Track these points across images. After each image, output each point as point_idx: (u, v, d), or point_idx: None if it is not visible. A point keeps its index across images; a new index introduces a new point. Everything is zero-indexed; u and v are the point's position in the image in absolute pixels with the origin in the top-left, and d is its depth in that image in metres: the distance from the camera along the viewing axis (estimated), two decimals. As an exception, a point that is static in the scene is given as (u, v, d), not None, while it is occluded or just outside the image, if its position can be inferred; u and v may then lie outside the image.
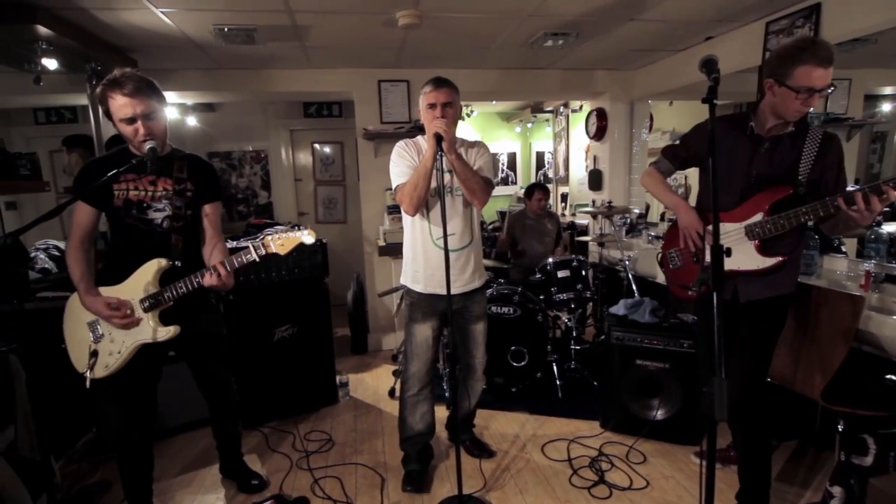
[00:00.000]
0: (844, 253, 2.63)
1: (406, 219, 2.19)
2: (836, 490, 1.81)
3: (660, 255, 2.14)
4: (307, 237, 1.78)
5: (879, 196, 1.50)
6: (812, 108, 1.69)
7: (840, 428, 1.95)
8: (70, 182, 3.44)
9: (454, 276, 2.02)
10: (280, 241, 1.77)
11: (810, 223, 1.73)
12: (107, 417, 1.94)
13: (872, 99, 3.31)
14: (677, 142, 2.08)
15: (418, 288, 2.18)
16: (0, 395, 2.00)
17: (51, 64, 2.79)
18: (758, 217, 1.75)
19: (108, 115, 1.76)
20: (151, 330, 1.81)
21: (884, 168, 3.53)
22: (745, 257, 1.77)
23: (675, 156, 2.03)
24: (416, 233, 2.16)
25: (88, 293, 1.78)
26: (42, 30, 2.43)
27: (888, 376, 1.98)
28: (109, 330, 1.82)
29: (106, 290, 1.82)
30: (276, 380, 2.93)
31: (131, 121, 1.72)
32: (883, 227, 2.47)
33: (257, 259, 1.77)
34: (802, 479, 2.26)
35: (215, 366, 2.14)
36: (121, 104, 1.70)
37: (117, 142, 2.41)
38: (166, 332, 1.82)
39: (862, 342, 2.00)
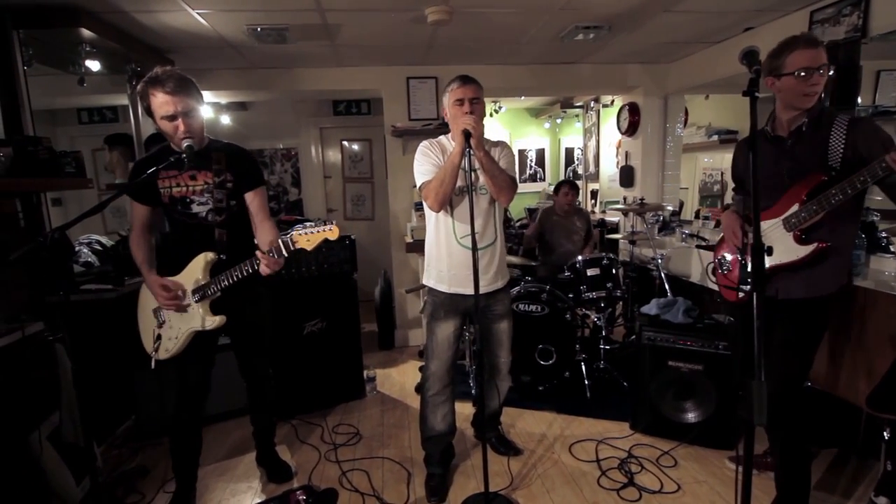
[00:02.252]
0: (893, 253, 2.50)
1: (429, 217, 2.18)
2: (882, 500, 1.74)
3: (711, 266, 2.13)
4: (331, 233, 1.78)
5: None
6: (819, 90, 1.66)
7: (886, 436, 1.86)
8: (111, 179, 3.59)
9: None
10: (306, 237, 1.78)
11: (839, 201, 1.61)
12: (164, 398, 2.06)
13: (925, 90, 3.13)
14: None
15: (442, 287, 2.17)
16: (46, 383, 2.10)
17: (93, 66, 2.91)
18: (794, 208, 1.72)
19: (148, 111, 1.82)
20: (201, 318, 1.91)
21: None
22: (784, 250, 1.73)
23: (735, 185, 2.12)
24: (440, 231, 2.14)
25: (150, 274, 1.92)
26: (86, 33, 2.54)
27: (941, 383, 1.87)
28: (169, 317, 1.96)
29: (172, 280, 1.95)
30: (305, 373, 2.99)
31: (172, 118, 1.78)
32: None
33: (286, 255, 1.80)
34: (844, 489, 2.17)
35: (258, 359, 2.23)
36: (162, 101, 1.76)
37: (156, 140, 2.49)
38: (213, 322, 1.91)
39: (912, 347, 1.90)
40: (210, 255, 1.92)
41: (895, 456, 1.76)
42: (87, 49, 2.76)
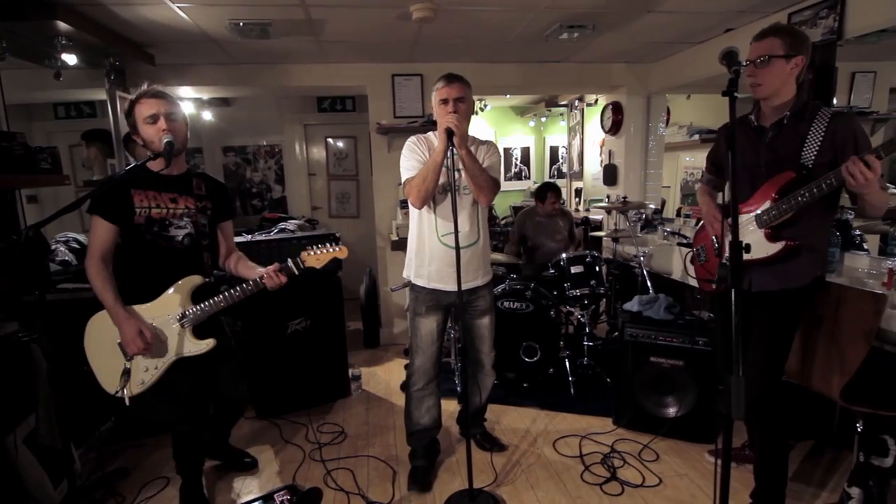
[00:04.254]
0: (866, 250, 2.57)
1: (413, 214, 2.20)
2: (855, 491, 1.78)
3: (690, 255, 2.16)
4: (340, 253, 1.92)
5: (863, 164, 1.48)
6: (760, 81, 1.70)
7: (859, 428, 1.92)
8: (88, 176, 3.51)
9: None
10: (316, 257, 1.89)
11: (806, 200, 1.65)
12: (159, 413, 2.01)
13: (898, 92, 3.22)
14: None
15: (421, 282, 2.19)
16: (22, 384, 2.05)
17: (70, 59, 2.84)
18: (766, 204, 1.75)
19: (134, 127, 1.83)
20: (187, 344, 1.87)
21: (910, 163, 3.43)
22: (756, 246, 1.76)
23: (709, 165, 2.13)
24: (423, 228, 2.17)
25: (123, 311, 1.78)
26: (62, 25, 2.47)
27: (911, 376, 1.93)
28: None
29: (138, 309, 1.84)
30: (289, 372, 2.96)
31: (154, 118, 1.78)
32: (907, 224, 2.41)
33: (296, 273, 1.89)
34: (819, 480, 2.23)
35: (242, 382, 2.23)
36: (146, 105, 1.79)
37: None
38: (200, 346, 1.88)
39: (883, 341, 1.96)
40: (198, 279, 1.90)
41: (868, 447, 1.81)
42: (64, 42, 2.68)
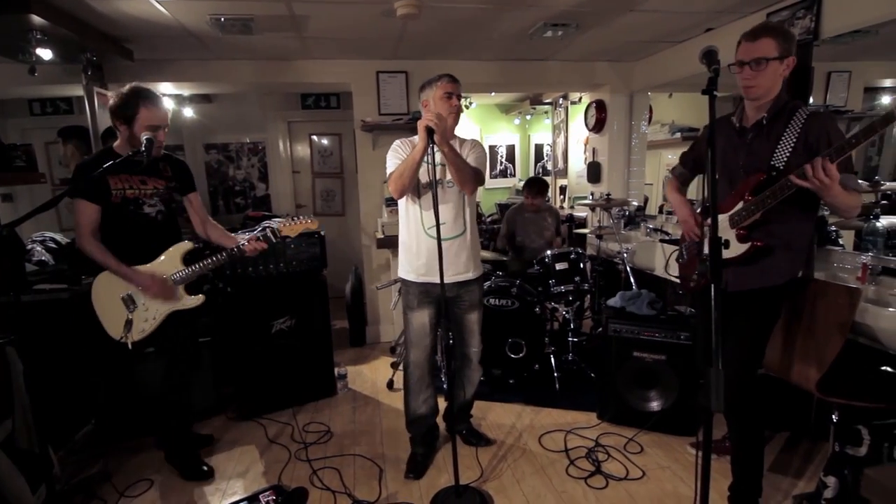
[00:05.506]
0: (842, 246, 2.63)
1: (401, 208, 2.26)
2: (830, 480, 1.83)
3: (676, 253, 2.19)
4: (311, 224, 2.26)
5: (816, 167, 1.51)
6: (754, 83, 1.70)
7: (835, 419, 1.97)
8: (66, 174, 3.43)
9: (446, 265, 2.05)
10: (290, 227, 2.22)
11: (771, 202, 1.68)
12: (151, 375, 2.28)
13: (872, 91, 3.31)
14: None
15: (412, 277, 2.24)
16: (-2, 387, 2.00)
17: (45, 54, 2.77)
18: (739, 206, 1.78)
19: (128, 118, 1.99)
20: (182, 299, 2.17)
21: (882, 161, 3.53)
22: (729, 247, 1.79)
23: (686, 160, 2.12)
24: (410, 222, 2.23)
25: (130, 268, 2.05)
26: (36, 19, 2.40)
27: (883, 368, 1.99)
28: (144, 300, 2.11)
29: (142, 269, 2.10)
30: (274, 372, 2.93)
31: (156, 128, 2.01)
32: (880, 220, 2.47)
33: (274, 241, 2.22)
34: (796, 470, 2.28)
35: (188, 367, 2.38)
36: (157, 114, 2.03)
37: (113, 134, 2.43)
38: (195, 300, 2.18)
39: (858, 334, 2.01)
40: (187, 245, 2.18)
41: (843, 437, 1.86)
42: (38, 36, 2.61)
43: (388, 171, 2.17)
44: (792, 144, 1.68)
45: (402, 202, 2.24)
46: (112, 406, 2.63)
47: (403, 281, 2.29)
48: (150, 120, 2.00)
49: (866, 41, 2.58)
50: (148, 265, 2.12)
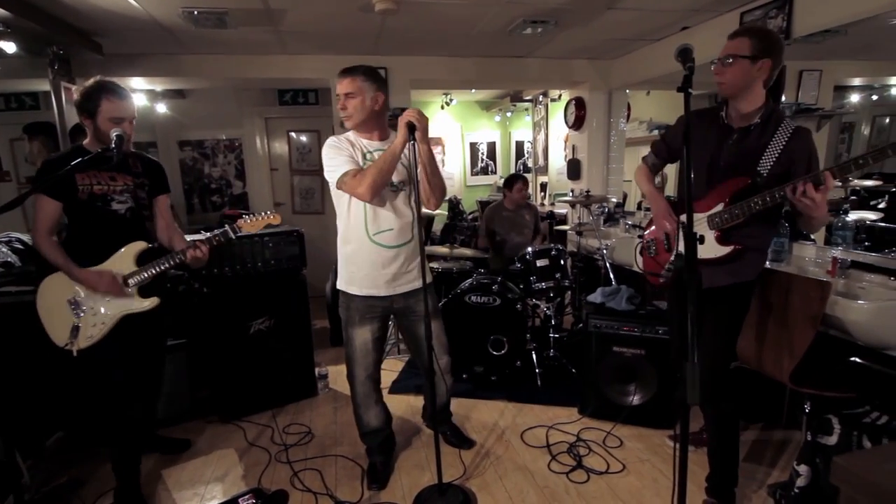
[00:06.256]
0: (813, 240, 2.71)
1: (340, 213, 2.07)
2: (803, 469, 1.89)
3: (640, 245, 2.18)
4: (273, 219, 2.11)
5: (816, 186, 1.54)
6: (722, 80, 1.73)
7: (807, 409, 2.03)
8: (32, 171, 3.32)
9: (391, 276, 2.02)
10: (251, 223, 2.09)
11: (759, 208, 1.71)
12: (107, 389, 2.14)
13: (841, 90, 3.41)
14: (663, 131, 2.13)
15: (353, 290, 2.09)
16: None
17: (9, 47, 2.68)
18: (719, 207, 1.80)
19: (91, 111, 1.91)
20: (133, 302, 2.03)
21: (852, 157, 3.64)
22: (706, 246, 1.81)
23: (660, 149, 2.09)
24: (351, 228, 2.04)
25: (80, 268, 1.94)
26: (-2, 10, 2.32)
27: (852, 358, 2.06)
28: (93, 304, 1.99)
29: (92, 268, 1.98)
30: (253, 373, 2.89)
31: (120, 120, 1.93)
32: (849, 214, 2.55)
33: (233, 237, 2.07)
34: (770, 459, 2.35)
35: (151, 357, 2.24)
36: (117, 106, 1.93)
37: (82, 130, 2.37)
38: (148, 303, 2.04)
39: (828, 326, 2.08)
40: (142, 245, 2.05)
41: (815, 427, 1.92)
42: (1, 29, 2.52)
43: (336, 169, 1.95)
44: (776, 155, 1.71)
45: (342, 205, 2.04)
46: (82, 413, 2.55)
47: (344, 294, 2.13)
48: (113, 112, 1.92)
49: (836, 40, 2.66)
50: (98, 266, 1.99)
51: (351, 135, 2.09)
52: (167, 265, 2.04)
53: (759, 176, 1.72)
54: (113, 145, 1.84)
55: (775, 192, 1.64)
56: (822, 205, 1.56)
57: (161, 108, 4.85)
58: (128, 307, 2.02)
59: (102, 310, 2.00)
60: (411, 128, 1.85)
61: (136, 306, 2.03)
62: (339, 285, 2.16)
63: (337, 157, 1.97)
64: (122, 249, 2.02)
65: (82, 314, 1.98)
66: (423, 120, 1.88)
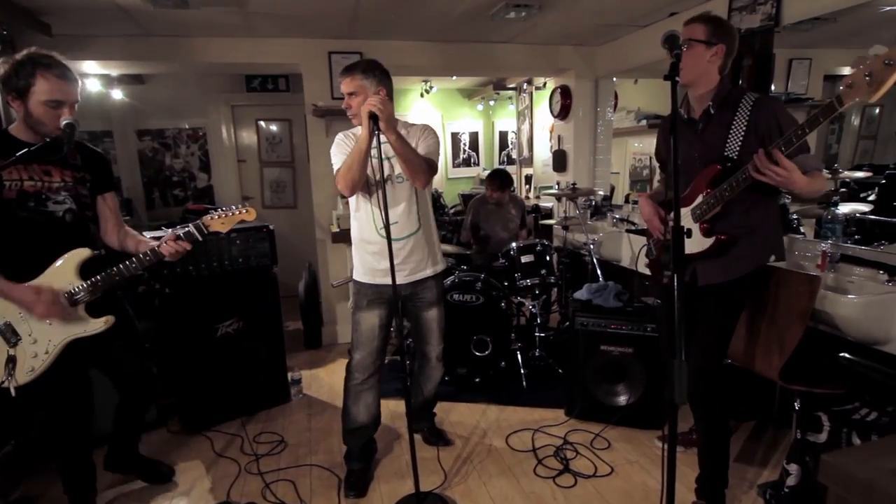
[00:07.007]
0: (802, 234, 2.78)
1: (352, 206, 2.22)
2: (793, 468, 1.94)
3: (645, 249, 2.25)
4: (247, 215, 1.91)
5: (770, 159, 1.57)
6: (681, 67, 1.75)
7: (797, 406, 2.09)
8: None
9: (399, 266, 2.05)
10: (220, 220, 1.88)
11: (729, 194, 1.74)
12: (45, 424, 1.93)
13: (832, 79, 3.49)
14: None
15: (367, 279, 2.22)
16: None
17: (-56, 26, 2.57)
18: (699, 199, 1.84)
19: (21, 90, 1.68)
20: (81, 323, 1.79)
21: (842, 149, 3.75)
22: (693, 240, 1.86)
23: (660, 162, 2.22)
24: (362, 221, 2.19)
25: (13, 285, 1.70)
26: (-69, -14, 2.23)
27: (842, 354, 2.12)
28: (31, 329, 1.75)
29: (28, 284, 1.75)
30: (220, 380, 2.85)
31: (58, 104, 1.70)
32: (839, 207, 2.62)
33: (200, 239, 1.87)
34: (761, 459, 2.41)
35: (122, 354, 2.07)
36: (55, 86, 1.68)
37: None
38: (100, 324, 1.81)
39: (818, 321, 2.13)
40: (85, 252, 1.82)
41: (804, 425, 1.97)
42: (-66, 6, 2.42)
43: (335, 166, 2.12)
44: (742, 133, 1.74)
45: (352, 200, 2.20)
46: (32, 426, 2.48)
47: (356, 281, 2.27)
48: (50, 94, 1.67)
49: (826, 28, 2.72)
50: (32, 282, 1.74)
51: (359, 130, 2.13)
52: (127, 273, 1.82)
53: (729, 160, 1.76)
54: (62, 136, 1.65)
55: (739, 175, 1.68)
56: (793, 176, 1.57)
57: (117, 94, 4.72)
58: (75, 331, 1.78)
59: (44, 335, 1.75)
60: (374, 118, 1.85)
61: (87, 329, 1.80)
62: (354, 275, 2.29)
63: (336, 155, 2.12)
64: (60, 260, 1.78)
65: (18, 342, 1.74)
66: (387, 108, 1.88)
